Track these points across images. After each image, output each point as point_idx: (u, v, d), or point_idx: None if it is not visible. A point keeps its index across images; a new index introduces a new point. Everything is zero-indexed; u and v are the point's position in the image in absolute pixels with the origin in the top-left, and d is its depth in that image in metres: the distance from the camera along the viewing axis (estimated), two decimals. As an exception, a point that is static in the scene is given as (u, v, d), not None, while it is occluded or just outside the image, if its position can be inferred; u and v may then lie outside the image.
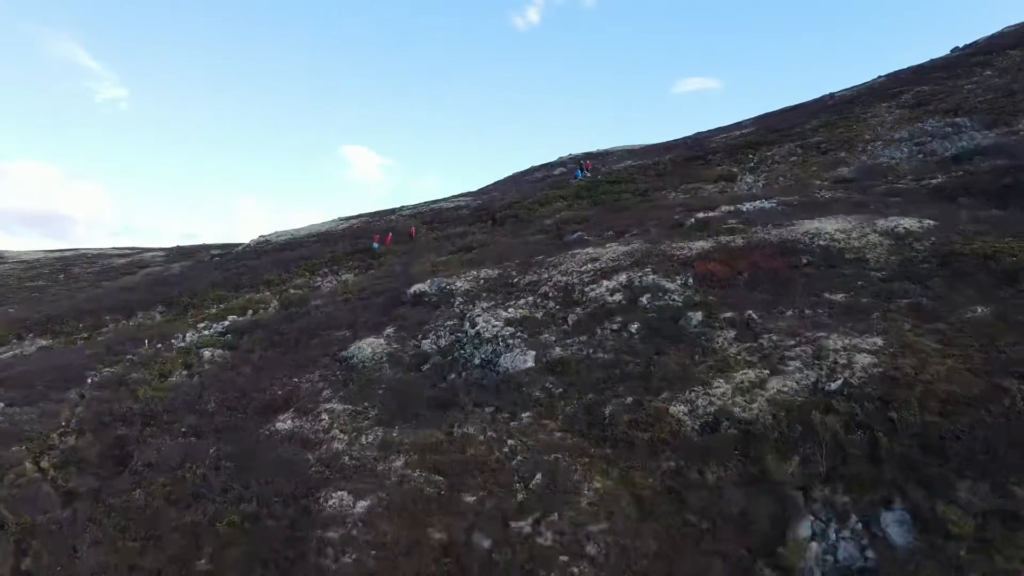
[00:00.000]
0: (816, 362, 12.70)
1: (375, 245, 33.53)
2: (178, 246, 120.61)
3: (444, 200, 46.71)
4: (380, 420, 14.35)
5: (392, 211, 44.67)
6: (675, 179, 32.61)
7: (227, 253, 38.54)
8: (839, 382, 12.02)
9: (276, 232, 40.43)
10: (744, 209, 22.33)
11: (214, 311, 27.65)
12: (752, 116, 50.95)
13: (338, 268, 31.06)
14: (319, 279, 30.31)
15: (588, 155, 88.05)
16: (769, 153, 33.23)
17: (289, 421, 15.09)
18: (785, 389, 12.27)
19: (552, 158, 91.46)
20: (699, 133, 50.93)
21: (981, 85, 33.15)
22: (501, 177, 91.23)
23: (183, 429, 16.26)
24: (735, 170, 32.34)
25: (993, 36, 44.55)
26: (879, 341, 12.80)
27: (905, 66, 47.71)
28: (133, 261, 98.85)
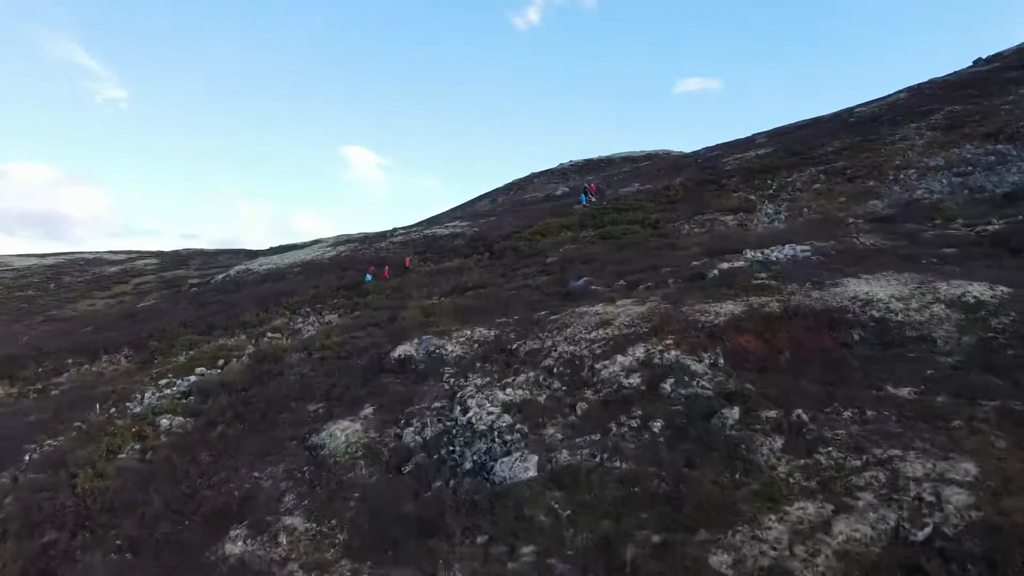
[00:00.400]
0: (894, 496, 10.07)
1: (368, 277, 30.91)
2: (175, 251, 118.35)
3: (440, 221, 44.09)
4: (348, 549, 11.75)
5: (383, 235, 42.08)
6: (688, 207, 29.98)
7: (206, 283, 35.89)
8: (927, 530, 9.41)
9: (260, 262, 37.74)
10: (774, 258, 19.72)
11: (182, 360, 25.05)
12: (765, 130, 48.27)
13: (322, 307, 28.42)
14: (300, 320, 27.69)
15: (589, 162, 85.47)
16: (789, 179, 30.61)
17: (241, 542, 12.50)
18: (857, 536, 9.63)
19: (553, 164, 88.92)
20: (709, 150, 48.24)
21: (1020, 105, 30.55)
22: (500, 184, 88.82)
23: (118, 541, 13.70)
24: (753, 198, 29.74)
25: (1022, 47, 41.96)
26: (972, 468, 10.19)
27: (926, 79, 45.15)
28: (126, 269, 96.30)
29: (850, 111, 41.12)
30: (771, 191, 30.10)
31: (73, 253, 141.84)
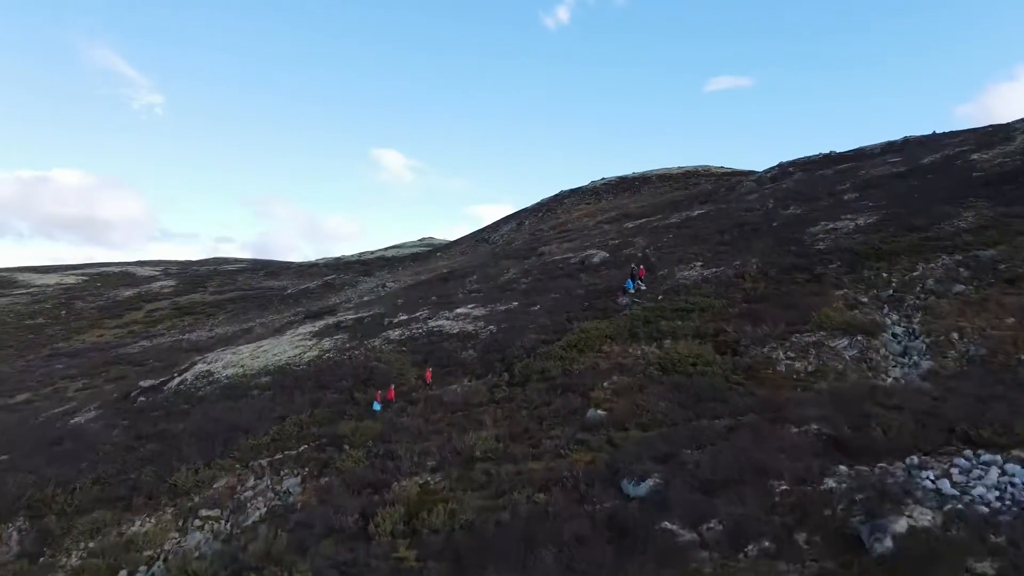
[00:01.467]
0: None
1: (376, 406, 23.23)
2: (200, 262, 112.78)
3: (452, 256, 36.59)
4: None
5: (379, 323, 34.67)
6: (776, 313, 21.96)
7: (159, 387, 28.77)
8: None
9: (226, 361, 30.49)
10: (977, 498, 11.89)
11: (74, 561, 17.98)
12: (856, 174, 39.66)
13: (283, 461, 21.09)
14: (251, 482, 20.40)
15: (622, 180, 76.95)
16: (914, 273, 22.52)
17: None
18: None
19: (583, 175, 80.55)
20: (767, 179, 39.75)
21: None
22: (527, 205, 79.30)
23: None
24: (866, 301, 21.72)
25: None
26: None
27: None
28: (141, 293, 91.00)
29: (968, 161, 31.61)
30: (890, 291, 22.06)
31: (100, 265, 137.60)
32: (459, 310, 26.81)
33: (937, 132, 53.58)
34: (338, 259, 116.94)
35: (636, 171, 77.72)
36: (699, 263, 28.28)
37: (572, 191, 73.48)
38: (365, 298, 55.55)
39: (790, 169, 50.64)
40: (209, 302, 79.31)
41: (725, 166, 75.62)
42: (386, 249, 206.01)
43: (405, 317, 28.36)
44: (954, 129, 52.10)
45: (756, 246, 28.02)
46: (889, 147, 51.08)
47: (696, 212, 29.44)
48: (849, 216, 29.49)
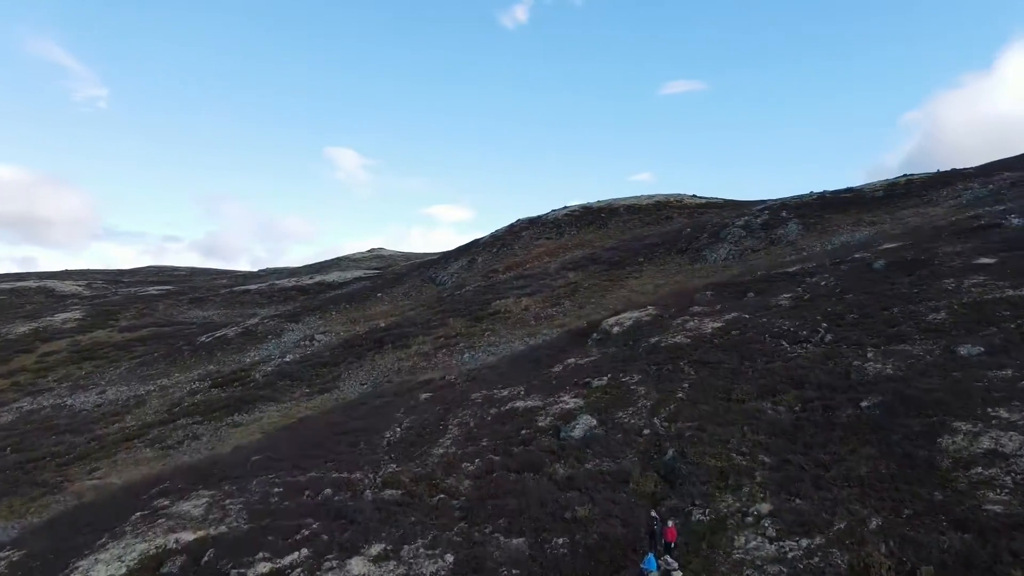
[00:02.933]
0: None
1: None
2: (127, 272, 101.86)
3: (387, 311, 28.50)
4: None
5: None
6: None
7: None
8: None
9: None
10: None
11: None
12: (930, 265, 32.89)
13: None
14: None
15: (587, 211, 68.53)
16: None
17: None
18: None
19: (543, 209, 71.29)
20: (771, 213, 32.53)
21: None
22: (485, 214, 66.93)
23: None
24: None
25: None
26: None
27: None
28: (39, 329, 79.58)
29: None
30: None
31: (13, 278, 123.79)
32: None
33: (942, 170, 47.63)
34: (277, 272, 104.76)
35: (602, 199, 70.49)
36: (760, 491, 14.90)
37: (531, 221, 65.86)
38: (287, 357, 46.88)
39: (783, 214, 43.88)
40: (116, 343, 69.12)
41: (697, 196, 69.04)
42: (333, 263, 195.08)
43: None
44: (954, 165, 46.19)
45: (854, 465, 14.44)
46: (892, 190, 44.86)
47: (709, 324, 19.76)
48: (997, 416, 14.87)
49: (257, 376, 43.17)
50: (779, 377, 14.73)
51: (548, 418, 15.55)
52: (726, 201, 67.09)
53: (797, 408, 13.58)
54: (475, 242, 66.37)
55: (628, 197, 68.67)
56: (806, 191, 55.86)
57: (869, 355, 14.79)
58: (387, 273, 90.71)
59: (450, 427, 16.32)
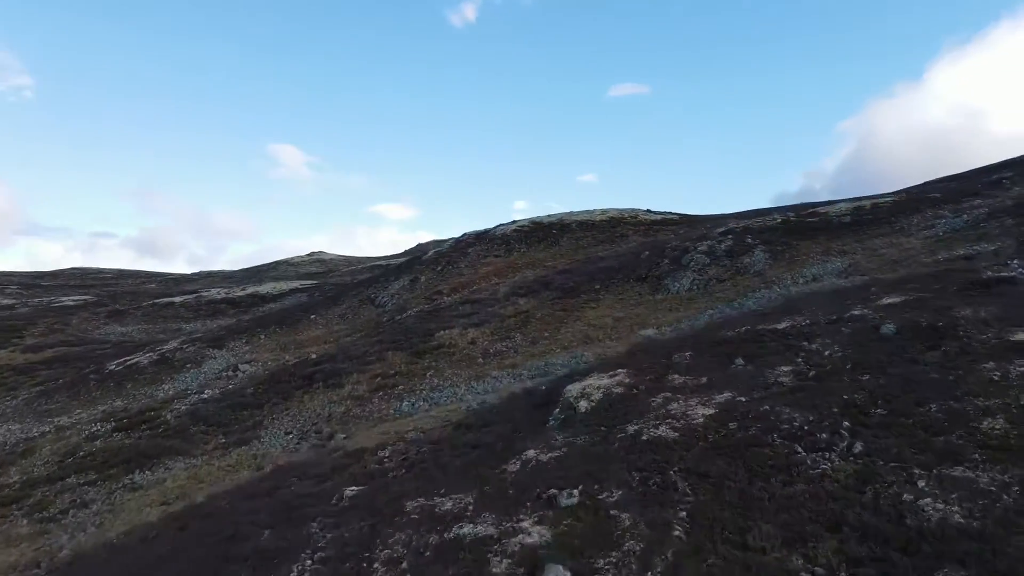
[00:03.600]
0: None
1: None
2: (46, 275, 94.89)
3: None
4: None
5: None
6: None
7: None
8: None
9: None
10: None
11: None
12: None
13: None
14: None
15: (537, 227, 64.99)
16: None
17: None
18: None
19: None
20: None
21: None
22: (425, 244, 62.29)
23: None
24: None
25: None
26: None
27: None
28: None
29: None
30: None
31: None
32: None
33: (909, 189, 45.89)
34: (211, 277, 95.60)
35: (553, 212, 67.21)
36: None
37: (478, 236, 62.06)
38: (205, 393, 41.88)
39: (748, 240, 41.22)
40: (17, 365, 62.28)
41: (651, 211, 66.45)
42: (271, 267, 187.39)
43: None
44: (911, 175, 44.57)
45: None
46: (858, 214, 42.75)
47: (699, 410, 15.75)
48: None
49: (168, 417, 38.07)
50: (806, 511, 11.25)
51: (505, 561, 11.70)
52: (681, 217, 64.66)
53: (842, 574, 10.14)
54: (418, 258, 62.14)
55: (580, 212, 65.52)
56: (760, 206, 53.74)
57: (920, 484, 11.41)
58: (324, 286, 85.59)
59: (376, 566, 12.35)
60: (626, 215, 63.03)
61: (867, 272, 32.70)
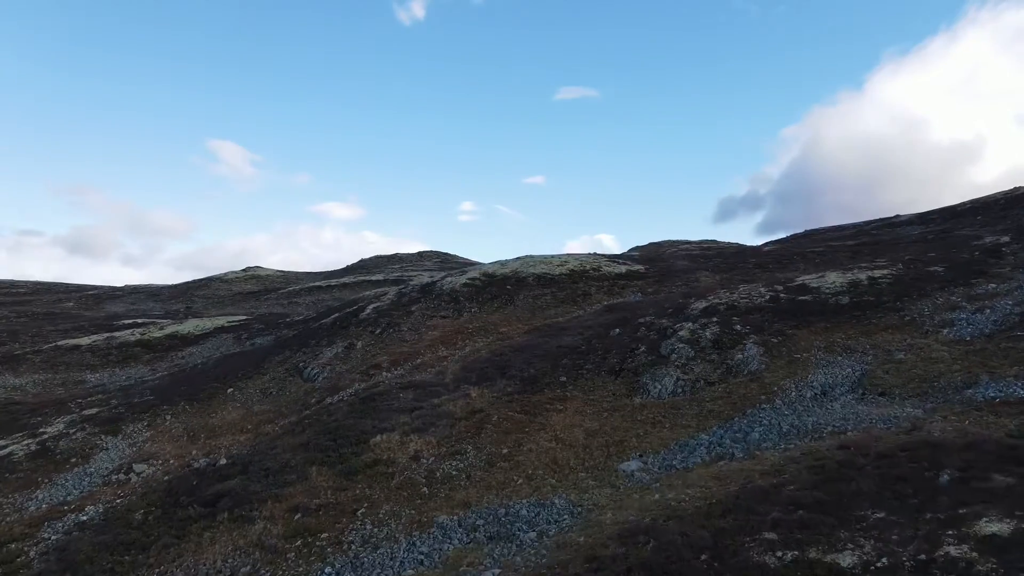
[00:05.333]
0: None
1: None
2: None
3: None
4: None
5: None
6: None
7: None
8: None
9: None
10: None
11: None
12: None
13: None
14: None
15: (491, 280, 58.17)
16: None
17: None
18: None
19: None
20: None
21: None
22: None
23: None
24: None
25: None
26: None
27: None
28: None
29: None
30: None
31: None
32: None
33: (907, 267, 41.26)
34: (136, 293, 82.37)
35: (506, 259, 60.88)
36: None
37: (424, 290, 55.44)
38: (86, 513, 34.05)
39: (736, 326, 35.80)
40: None
41: (617, 259, 60.92)
42: (203, 284, 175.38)
43: None
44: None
45: None
46: (857, 294, 37.83)
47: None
48: None
49: (32, 556, 30.29)
50: None
51: None
52: (647, 270, 59.17)
53: None
54: (355, 315, 54.83)
55: (538, 258, 59.41)
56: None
57: None
58: (253, 327, 77.42)
59: None
60: (587, 266, 57.23)
61: (888, 389, 27.49)
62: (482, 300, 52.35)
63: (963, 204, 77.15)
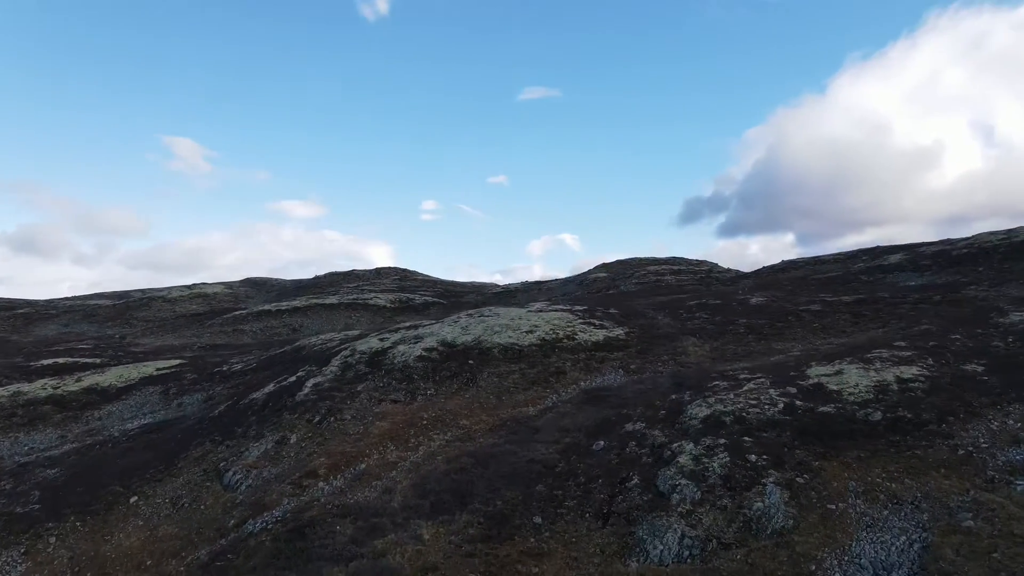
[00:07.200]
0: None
1: None
2: None
3: None
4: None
5: None
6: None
7: None
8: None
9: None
10: None
11: None
12: None
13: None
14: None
15: (449, 353, 50.30)
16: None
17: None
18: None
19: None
20: None
21: None
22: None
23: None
24: None
25: None
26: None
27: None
28: None
29: None
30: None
31: None
32: None
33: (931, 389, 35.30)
34: (70, 312, 72.02)
35: (470, 329, 53.64)
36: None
37: (372, 363, 47.83)
38: None
39: (751, 457, 29.34)
40: None
41: (592, 319, 54.17)
42: (144, 303, 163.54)
43: None
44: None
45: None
46: (893, 418, 31.62)
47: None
48: None
49: None
50: None
51: None
52: (627, 335, 52.47)
53: None
54: (292, 394, 47.03)
55: (504, 319, 52.34)
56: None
57: None
58: (184, 378, 68.76)
59: None
60: (560, 332, 50.32)
61: (966, 583, 20.99)
62: (439, 379, 45.01)
63: (958, 247, 72.45)
